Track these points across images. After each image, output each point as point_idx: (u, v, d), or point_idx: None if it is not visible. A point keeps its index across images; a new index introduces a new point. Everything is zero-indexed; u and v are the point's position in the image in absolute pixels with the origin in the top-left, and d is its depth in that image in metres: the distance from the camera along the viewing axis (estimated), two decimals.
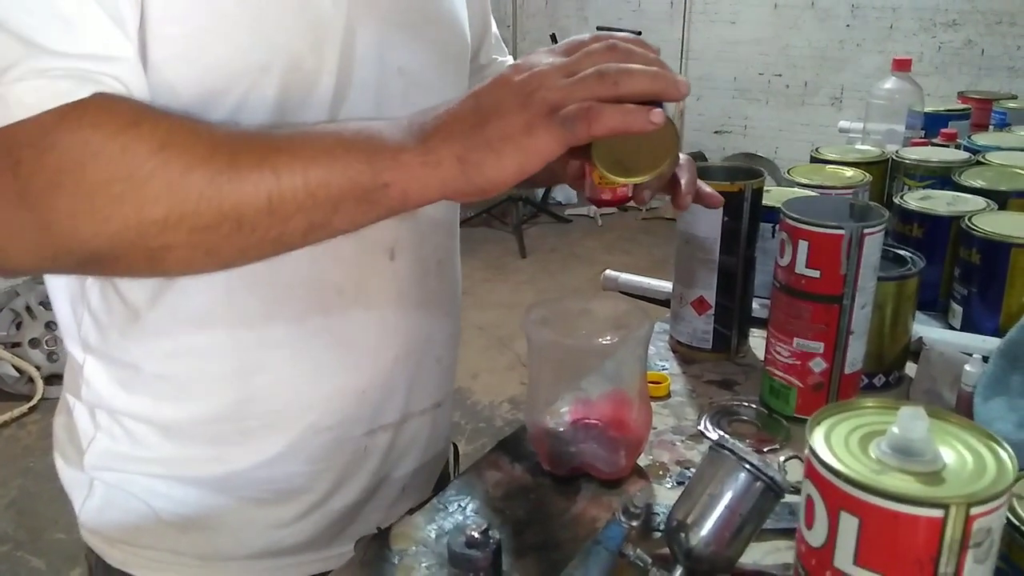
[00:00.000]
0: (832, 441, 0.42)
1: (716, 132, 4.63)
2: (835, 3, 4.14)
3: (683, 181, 0.72)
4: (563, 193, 4.85)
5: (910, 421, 0.39)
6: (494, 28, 0.94)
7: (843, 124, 2.02)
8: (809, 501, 0.42)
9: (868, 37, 4.09)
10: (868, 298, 0.74)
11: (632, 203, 0.68)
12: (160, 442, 0.73)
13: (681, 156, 0.73)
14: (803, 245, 0.73)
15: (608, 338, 0.64)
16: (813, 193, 1.03)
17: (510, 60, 0.97)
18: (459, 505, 0.68)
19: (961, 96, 1.71)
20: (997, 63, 3.83)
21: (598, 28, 4.81)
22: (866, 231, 0.71)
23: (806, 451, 0.42)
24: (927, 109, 1.49)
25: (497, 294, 3.73)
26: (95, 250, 0.54)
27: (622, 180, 0.59)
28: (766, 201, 0.89)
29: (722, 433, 0.76)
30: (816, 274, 0.73)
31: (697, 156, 4.57)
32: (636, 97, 0.53)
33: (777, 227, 0.95)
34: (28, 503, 2.38)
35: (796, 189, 1.06)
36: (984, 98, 1.64)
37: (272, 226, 0.55)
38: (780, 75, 4.38)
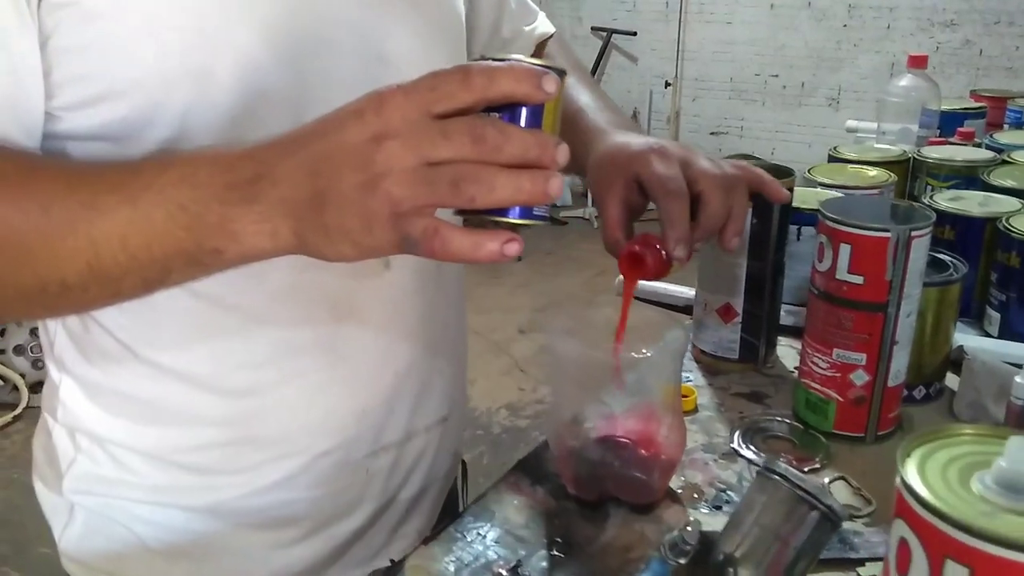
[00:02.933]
0: (928, 475, 0.36)
1: (712, 133, 4.59)
2: (832, 3, 4.11)
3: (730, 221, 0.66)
4: None
5: (1022, 453, 0.34)
6: None
7: (851, 123, 1.98)
8: (903, 545, 0.36)
9: (865, 37, 4.06)
10: (914, 306, 0.69)
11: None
12: (144, 468, 0.68)
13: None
14: (845, 249, 0.68)
15: (644, 351, 0.59)
16: (838, 194, 0.98)
17: (540, 24, 0.89)
18: (478, 533, 0.62)
19: (974, 95, 1.68)
20: (996, 63, 3.80)
21: (592, 29, 4.76)
22: (914, 233, 0.66)
23: (897, 484, 0.37)
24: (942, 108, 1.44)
25: (492, 298, 3.68)
26: None
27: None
28: None
29: (754, 449, 0.71)
30: (859, 280, 0.68)
31: None
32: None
33: (814, 229, 0.90)
34: (12, 516, 2.31)
35: (818, 190, 1.01)
36: (999, 96, 1.60)
37: (103, 285, 0.51)
38: (777, 76, 4.35)
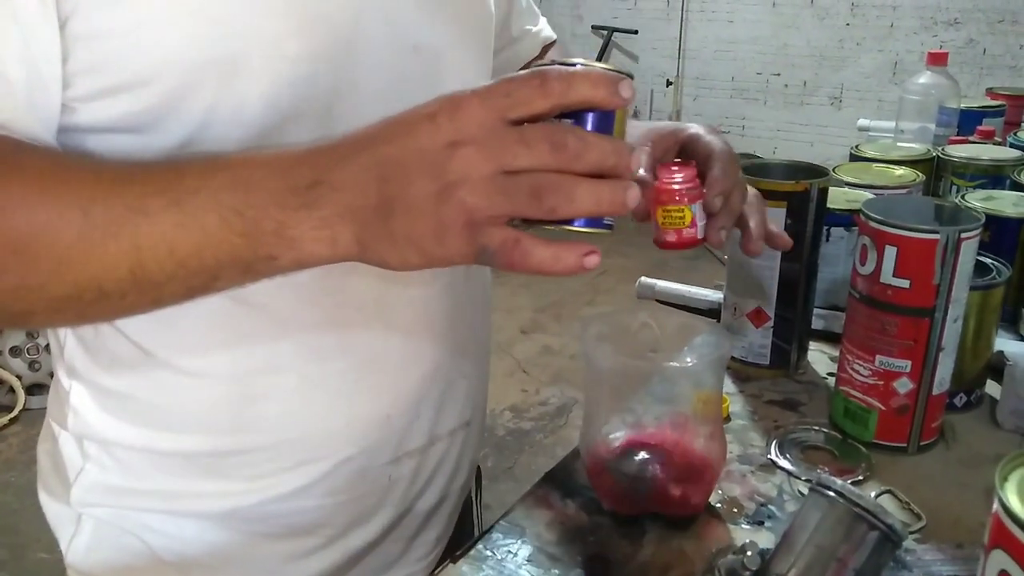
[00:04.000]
0: None
1: None
2: (835, 1, 4.08)
3: (752, 223, 0.64)
4: None
5: None
6: None
7: (862, 122, 1.96)
8: None
9: (868, 36, 4.04)
10: (960, 310, 0.66)
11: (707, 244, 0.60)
12: (156, 474, 0.65)
13: (749, 191, 0.65)
14: (891, 251, 0.65)
15: (689, 359, 0.56)
16: (868, 194, 0.94)
17: (544, 27, 0.87)
18: (509, 551, 0.59)
19: (990, 92, 1.65)
20: (999, 62, 3.78)
21: (593, 27, 4.73)
22: (963, 235, 0.63)
23: (995, 508, 0.34)
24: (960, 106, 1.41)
25: (493, 299, 3.63)
26: None
27: None
28: None
29: (792, 460, 0.68)
30: (905, 284, 0.65)
31: None
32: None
33: (844, 230, 0.88)
34: (9, 520, 2.27)
35: (845, 189, 0.98)
36: (1018, 95, 1.57)
37: (144, 292, 0.47)
38: (778, 74, 4.32)
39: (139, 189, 0.46)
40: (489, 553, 0.59)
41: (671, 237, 0.59)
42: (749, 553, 0.45)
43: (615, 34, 4.64)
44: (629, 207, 0.42)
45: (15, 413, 2.71)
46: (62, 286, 0.46)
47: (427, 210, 0.41)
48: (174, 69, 0.51)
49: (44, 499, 0.71)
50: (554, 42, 0.89)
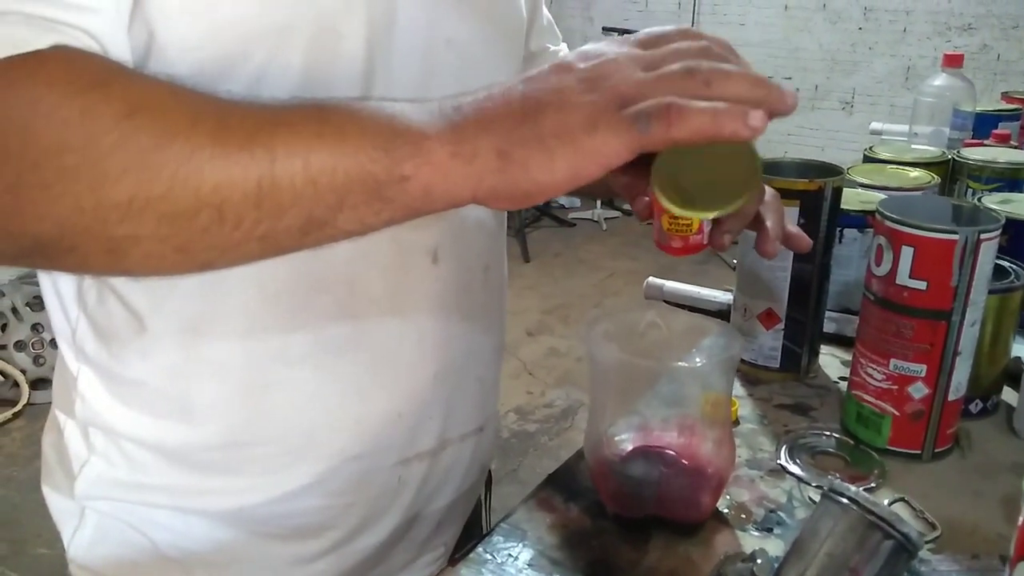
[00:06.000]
0: None
1: None
2: (847, 5, 4.05)
3: (769, 223, 0.61)
4: (566, 196, 4.75)
5: None
6: (546, 12, 0.84)
7: (875, 125, 1.94)
8: None
9: (880, 40, 4.01)
10: (978, 314, 0.64)
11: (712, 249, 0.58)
12: (163, 468, 0.64)
13: (767, 191, 0.63)
14: (907, 252, 0.63)
15: (698, 360, 0.54)
16: (882, 195, 0.92)
17: (565, 49, 0.87)
18: (510, 555, 0.57)
19: (1006, 96, 1.62)
20: (1013, 68, 3.75)
21: (604, 29, 4.71)
22: (982, 236, 0.61)
23: (1021, 520, 0.32)
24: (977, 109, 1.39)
25: None
26: (39, 235, 0.43)
27: (685, 213, 0.48)
28: None
29: (802, 466, 0.66)
30: (922, 286, 0.63)
31: None
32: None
33: (857, 231, 0.86)
34: (10, 514, 2.27)
35: (859, 190, 0.96)
36: None
37: (261, 219, 0.43)
38: (790, 78, 4.29)
39: (277, 106, 0.45)
40: (489, 556, 0.57)
41: (677, 244, 0.57)
42: (759, 560, 0.44)
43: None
44: (788, 103, 0.43)
45: (19, 408, 2.71)
46: (183, 198, 0.42)
47: (578, 102, 0.42)
48: (229, 33, 0.50)
49: (47, 492, 0.70)
50: None
